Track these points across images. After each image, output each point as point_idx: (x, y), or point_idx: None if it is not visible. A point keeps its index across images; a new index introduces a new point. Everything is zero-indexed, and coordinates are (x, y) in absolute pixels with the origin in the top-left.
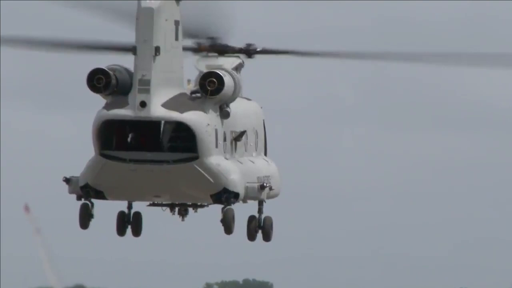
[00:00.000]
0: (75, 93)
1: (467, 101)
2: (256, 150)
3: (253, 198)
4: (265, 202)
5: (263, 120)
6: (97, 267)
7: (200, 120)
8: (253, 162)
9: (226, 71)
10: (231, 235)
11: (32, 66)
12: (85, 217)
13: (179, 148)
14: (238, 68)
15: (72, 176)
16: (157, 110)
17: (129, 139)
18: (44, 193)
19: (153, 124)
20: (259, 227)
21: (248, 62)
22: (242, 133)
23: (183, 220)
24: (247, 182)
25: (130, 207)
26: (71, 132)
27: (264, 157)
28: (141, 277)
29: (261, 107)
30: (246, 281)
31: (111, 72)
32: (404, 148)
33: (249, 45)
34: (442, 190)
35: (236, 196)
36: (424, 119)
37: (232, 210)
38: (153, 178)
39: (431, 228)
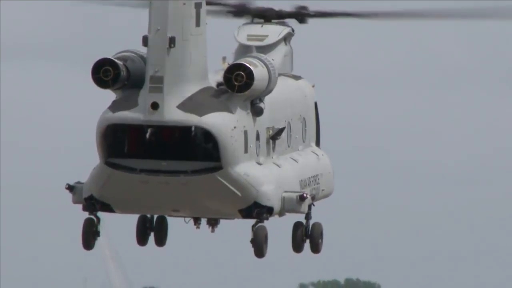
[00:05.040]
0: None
1: None
2: (304, 142)
3: (291, 211)
4: (313, 205)
5: (315, 103)
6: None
7: (223, 123)
8: (297, 161)
9: (260, 59)
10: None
11: None
12: (90, 236)
13: (200, 156)
14: (287, 38)
15: (77, 183)
16: (172, 112)
17: (140, 145)
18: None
19: (168, 129)
20: (307, 236)
21: (300, 28)
22: (280, 130)
23: (213, 231)
24: (285, 192)
25: None
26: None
27: (315, 148)
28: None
29: (313, 86)
30: (348, 281)
31: (120, 63)
32: None
33: (301, 8)
34: None
35: (269, 210)
36: None
37: (264, 228)
38: (168, 191)
39: None
